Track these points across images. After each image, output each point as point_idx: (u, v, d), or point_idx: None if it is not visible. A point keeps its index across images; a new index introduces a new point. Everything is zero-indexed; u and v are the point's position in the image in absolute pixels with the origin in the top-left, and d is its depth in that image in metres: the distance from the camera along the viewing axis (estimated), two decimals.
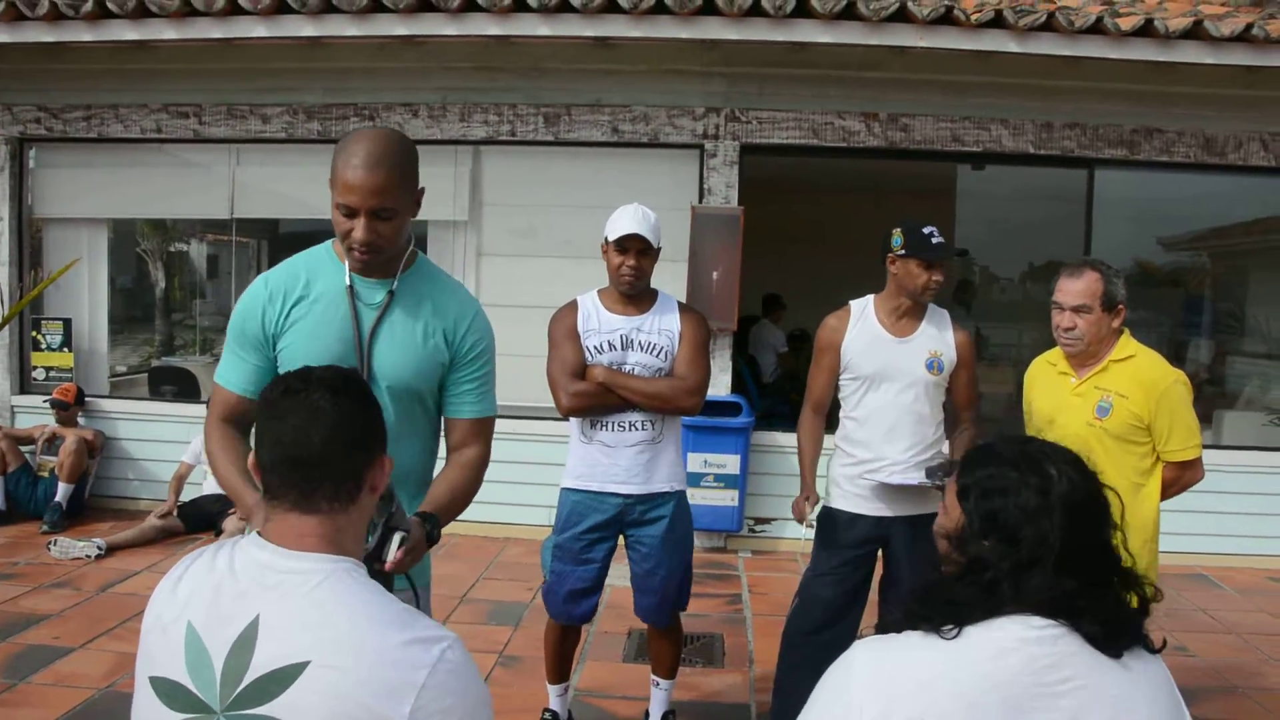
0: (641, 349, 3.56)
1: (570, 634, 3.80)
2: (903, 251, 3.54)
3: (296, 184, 7.04)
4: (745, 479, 6.42)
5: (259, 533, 1.53)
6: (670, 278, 6.41)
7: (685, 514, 3.70)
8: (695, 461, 6.37)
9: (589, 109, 6.52)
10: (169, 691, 1.44)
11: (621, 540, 3.70)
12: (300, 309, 2.31)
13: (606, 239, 3.53)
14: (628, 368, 3.54)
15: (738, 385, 8.11)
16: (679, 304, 3.69)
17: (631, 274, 3.52)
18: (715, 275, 6.41)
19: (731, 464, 6.37)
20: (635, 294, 3.60)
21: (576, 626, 3.78)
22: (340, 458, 1.51)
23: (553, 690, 3.89)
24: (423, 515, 2.11)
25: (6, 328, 7.06)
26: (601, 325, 3.57)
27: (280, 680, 1.38)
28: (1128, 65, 5.88)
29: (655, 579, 3.62)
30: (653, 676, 3.91)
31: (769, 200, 8.89)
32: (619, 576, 3.87)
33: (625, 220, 3.50)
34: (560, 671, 3.86)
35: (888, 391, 3.63)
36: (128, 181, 7.00)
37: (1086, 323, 3.26)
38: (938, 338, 3.64)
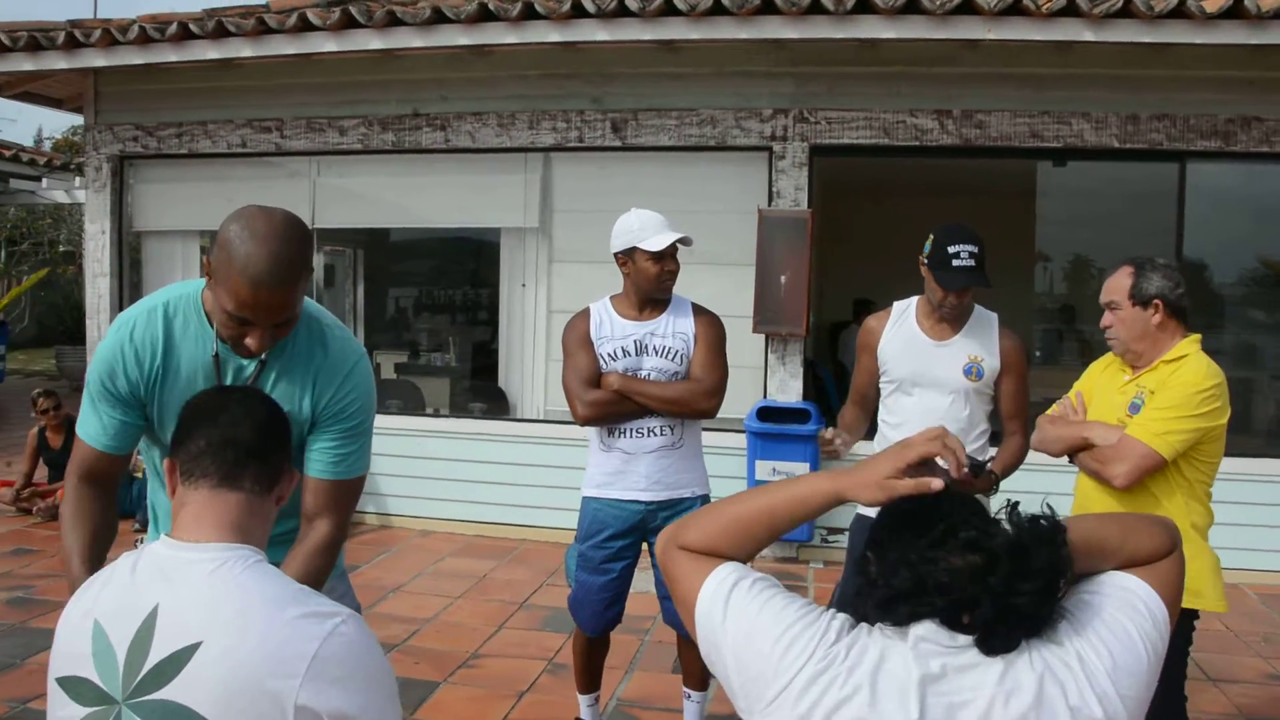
0: (657, 353, 3.50)
1: (598, 644, 3.76)
2: (926, 262, 3.40)
3: (374, 193, 7.21)
4: None
5: (167, 534, 1.56)
6: (737, 283, 6.33)
7: None
8: (763, 469, 6.25)
9: (655, 113, 6.48)
10: (75, 687, 1.47)
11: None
12: (163, 380, 2.11)
13: (636, 249, 3.45)
14: (643, 373, 3.49)
15: (819, 392, 7.96)
16: (693, 305, 3.60)
17: (672, 278, 3.50)
18: (783, 280, 6.28)
19: (801, 472, 6.22)
20: (667, 297, 3.55)
21: (605, 636, 3.74)
22: (268, 446, 1.62)
23: (583, 700, 3.85)
24: None
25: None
26: (615, 331, 3.52)
27: (176, 663, 1.41)
28: (1218, 50, 5.54)
29: None
30: (684, 689, 3.82)
31: (853, 203, 8.74)
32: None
33: (657, 228, 3.44)
34: (589, 682, 3.82)
35: (923, 396, 3.50)
36: (216, 194, 7.24)
37: (1117, 319, 3.06)
38: (980, 343, 3.48)
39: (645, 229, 3.44)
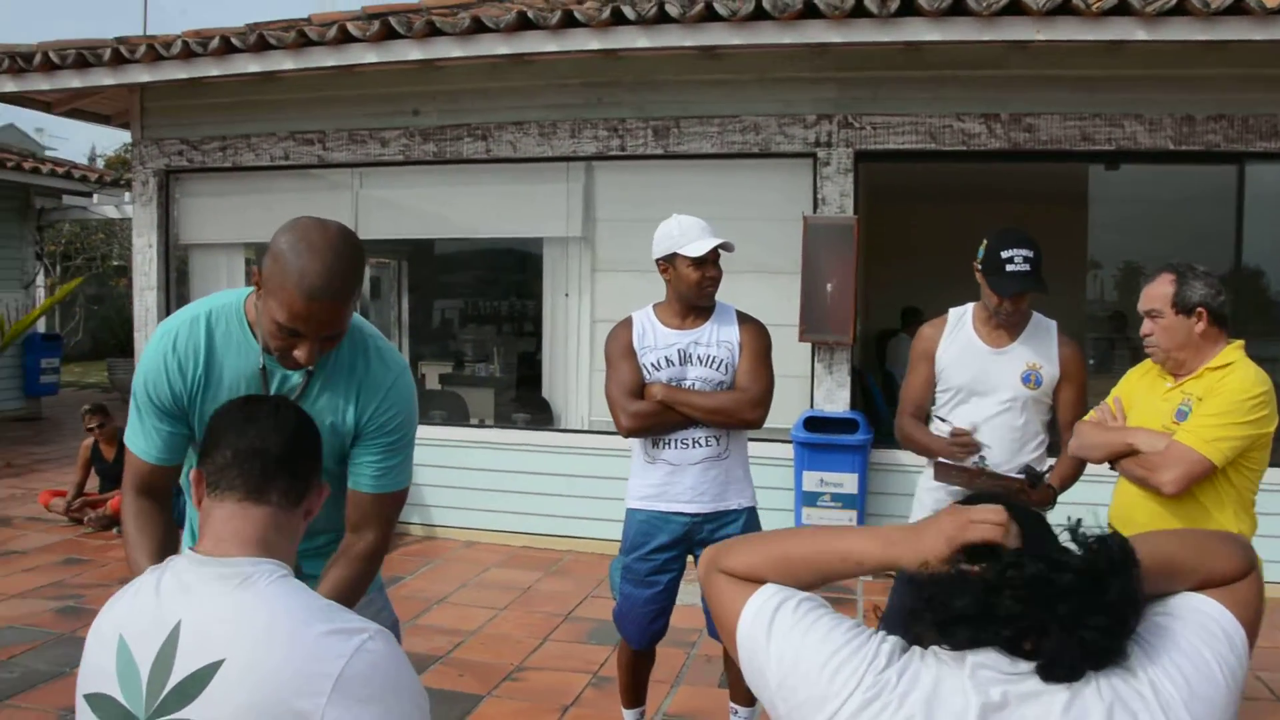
0: (701, 363, 3.43)
1: (643, 657, 3.70)
2: (980, 268, 3.32)
3: (416, 204, 7.22)
4: (865, 498, 6.16)
5: (191, 548, 1.53)
6: (782, 291, 6.25)
7: (757, 530, 3.54)
8: (811, 480, 6.16)
9: (698, 121, 6.42)
10: (101, 705, 1.45)
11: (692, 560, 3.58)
12: (205, 390, 2.09)
13: (676, 255, 3.38)
14: (688, 383, 3.43)
15: (866, 401, 7.85)
16: (737, 313, 3.54)
17: (714, 285, 3.42)
18: (830, 287, 6.19)
19: (849, 483, 6.13)
20: (709, 304, 3.48)
21: (650, 650, 3.68)
22: (297, 458, 1.59)
23: (628, 715, 3.79)
24: None
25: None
26: (658, 341, 3.46)
27: (198, 682, 1.37)
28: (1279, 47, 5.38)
29: None
30: (731, 704, 3.76)
31: (900, 209, 8.62)
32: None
33: (698, 234, 3.38)
34: (635, 696, 3.76)
35: (980, 405, 3.42)
36: (260, 207, 7.30)
37: (1159, 328, 2.98)
38: (1039, 349, 3.40)
39: (686, 234, 3.38)
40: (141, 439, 2.12)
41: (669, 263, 3.42)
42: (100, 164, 21.97)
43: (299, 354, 1.92)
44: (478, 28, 5.90)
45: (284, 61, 6.32)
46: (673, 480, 3.45)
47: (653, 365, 3.44)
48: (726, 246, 3.39)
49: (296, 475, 1.58)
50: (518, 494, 6.83)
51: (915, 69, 6.06)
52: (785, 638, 1.35)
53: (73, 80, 6.83)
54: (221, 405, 1.69)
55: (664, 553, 3.48)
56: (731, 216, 5.89)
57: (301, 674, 1.36)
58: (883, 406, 8.24)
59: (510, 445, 6.95)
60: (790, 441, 6.19)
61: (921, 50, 5.84)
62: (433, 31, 5.98)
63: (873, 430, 6.25)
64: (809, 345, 6.34)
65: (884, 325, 10.20)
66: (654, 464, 3.49)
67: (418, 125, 6.91)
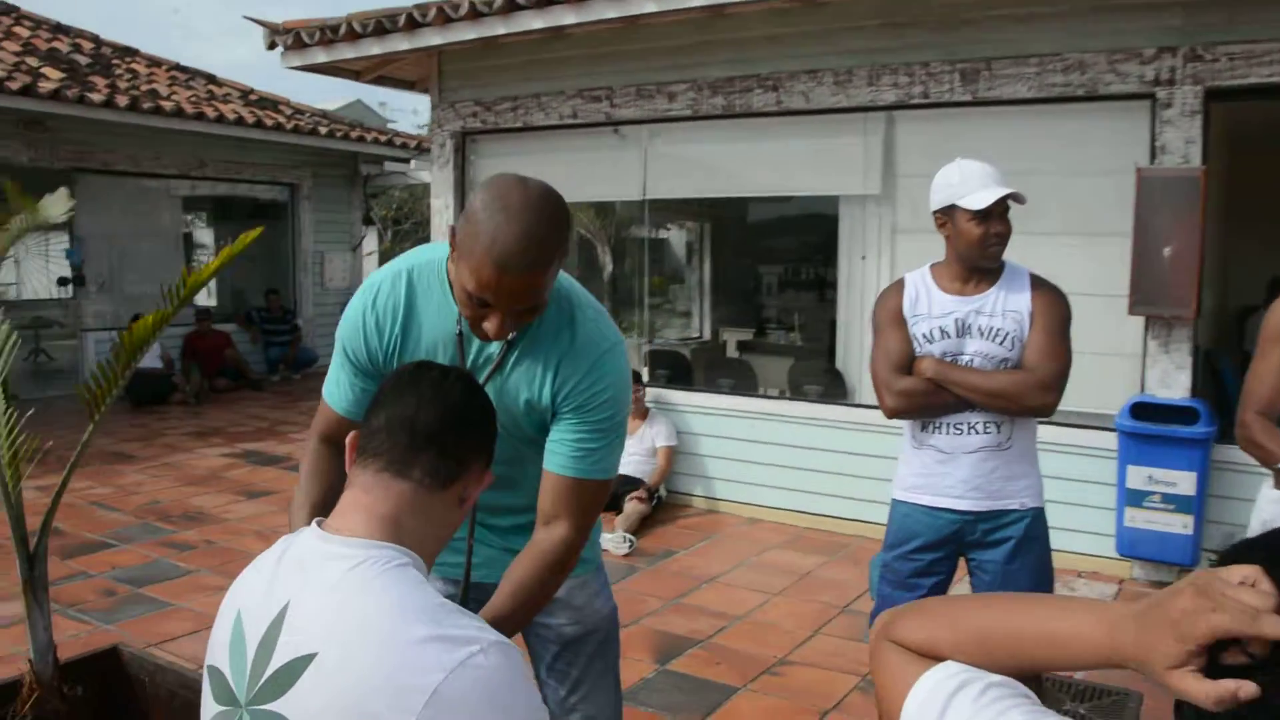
0: (982, 335, 2.91)
1: None
2: None
3: (705, 161, 6.95)
4: (1203, 502, 5.24)
5: (319, 521, 1.42)
6: (1111, 256, 5.41)
7: (1041, 536, 3.00)
8: (1137, 477, 5.31)
9: (1011, 61, 5.63)
10: (216, 680, 1.37)
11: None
12: (402, 350, 1.98)
13: (955, 208, 2.89)
14: (965, 359, 2.92)
15: (1217, 387, 6.78)
16: (1031, 277, 2.96)
17: (999, 242, 2.91)
18: (1168, 252, 5.27)
19: (1184, 483, 5.23)
20: (996, 266, 2.96)
21: None
22: (452, 436, 1.45)
23: None
24: None
25: None
26: (933, 308, 2.96)
27: (291, 674, 1.25)
28: None
29: None
30: None
31: (1265, 160, 7.37)
32: None
33: (982, 182, 2.88)
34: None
35: None
36: (550, 166, 7.22)
37: None
38: None
39: (967, 183, 2.87)
40: (335, 387, 2.07)
41: (947, 216, 2.94)
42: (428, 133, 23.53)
43: (488, 326, 1.76)
44: None
45: (566, 16, 6.20)
46: (942, 470, 2.98)
47: (924, 336, 2.96)
48: (1016, 197, 2.86)
49: (447, 454, 1.43)
50: (806, 471, 6.41)
51: None
52: None
53: (373, 47, 7.12)
54: (395, 369, 1.63)
55: (928, 553, 3.02)
56: (1050, 170, 5.21)
57: (391, 683, 1.18)
58: (1237, 395, 7.09)
59: (799, 418, 6.52)
60: (1114, 430, 5.36)
61: None
62: None
63: (1218, 422, 5.28)
64: (1140, 320, 5.42)
65: (1246, 299, 8.83)
66: (922, 449, 3.04)
67: (705, 78, 6.59)
